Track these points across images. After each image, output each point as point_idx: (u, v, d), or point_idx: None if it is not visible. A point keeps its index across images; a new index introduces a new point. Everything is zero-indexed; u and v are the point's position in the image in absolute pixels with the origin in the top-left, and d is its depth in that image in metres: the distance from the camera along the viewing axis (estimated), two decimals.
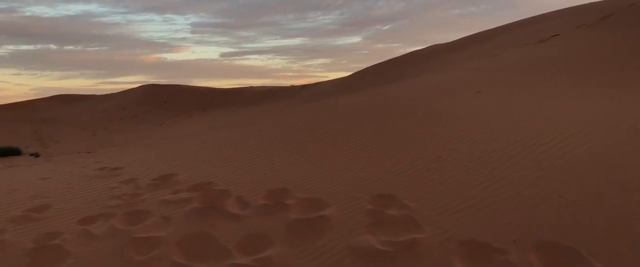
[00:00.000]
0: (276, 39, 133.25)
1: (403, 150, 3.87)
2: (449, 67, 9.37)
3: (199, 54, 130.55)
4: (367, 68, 24.52)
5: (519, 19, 14.95)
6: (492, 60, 7.99)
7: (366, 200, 3.08)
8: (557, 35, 8.73)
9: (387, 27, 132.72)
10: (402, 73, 12.79)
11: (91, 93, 45.93)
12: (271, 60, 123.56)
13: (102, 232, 2.97)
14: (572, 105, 5.08)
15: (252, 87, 39.34)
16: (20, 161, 19.71)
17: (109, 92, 44.02)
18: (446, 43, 19.04)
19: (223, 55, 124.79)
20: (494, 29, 15.46)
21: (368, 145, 4.09)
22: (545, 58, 7.28)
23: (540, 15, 13.30)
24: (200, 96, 37.41)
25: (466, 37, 16.23)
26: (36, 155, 23.48)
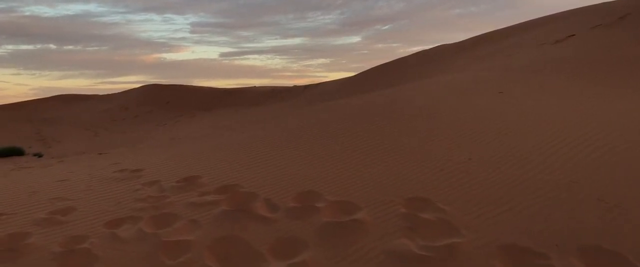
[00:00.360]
0: (276, 38, 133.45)
1: (429, 152, 3.83)
2: (462, 67, 9.33)
3: (198, 54, 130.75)
4: (372, 68, 24.47)
5: (528, 20, 14.91)
6: (508, 61, 7.96)
7: (399, 203, 3.04)
8: (573, 35, 8.69)
9: (387, 27, 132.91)
10: (413, 73, 12.75)
11: (91, 93, 45.92)
12: (271, 60, 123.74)
13: (130, 235, 2.93)
14: (591, 105, 5.04)
15: (255, 87, 39.30)
16: (24, 162, 19.67)
17: (109, 92, 43.99)
18: (453, 43, 18.98)
19: (223, 55, 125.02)
20: (502, 29, 15.42)
21: (392, 147, 4.05)
22: (561, 58, 7.24)
23: (552, 16, 13.26)
24: (203, 96, 37.39)
25: (474, 37, 16.17)
26: (39, 155, 23.49)
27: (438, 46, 20.16)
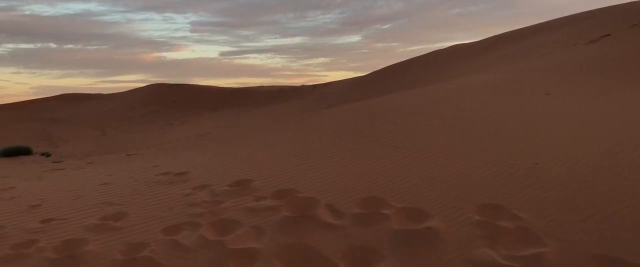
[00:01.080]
0: (276, 38, 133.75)
1: (490, 155, 3.73)
2: (488, 68, 9.20)
3: (198, 53, 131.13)
4: (384, 69, 24.34)
5: (550, 19, 14.77)
6: (541, 61, 7.84)
7: (471, 210, 2.94)
8: (608, 35, 8.56)
9: (386, 26, 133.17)
10: (434, 73, 12.62)
11: (91, 92, 45.97)
12: (271, 59, 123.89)
13: (192, 243, 2.84)
14: None
15: (262, 86, 39.24)
16: (29, 162, 19.62)
17: (110, 92, 44.04)
18: (469, 43, 18.84)
19: (222, 54, 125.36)
20: (521, 29, 15.27)
21: (447, 150, 3.95)
22: (599, 58, 7.12)
23: (574, 16, 13.12)
24: (209, 96, 37.35)
25: (492, 37, 16.02)
26: (47, 154, 23.49)
27: (452, 46, 20.02)
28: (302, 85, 36.58)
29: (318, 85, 33.71)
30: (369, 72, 26.34)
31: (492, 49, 12.87)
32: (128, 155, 6.12)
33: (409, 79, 18.06)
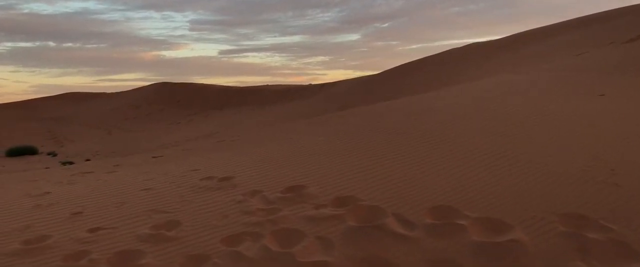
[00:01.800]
0: (275, 36, 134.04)
1: (559, 162, 3.56)
2: (515, 67, 9.01)
3: (197, 52, 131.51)
4: (396, 68, 24.15)
5: (571, 18, 14.56)
6: (577, 61, 7.65)
7: (554, 220, 2.78)
8: None
9: (386, 24, 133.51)
10: (455, 72, 12.44)
11: (90, 90, 45.95)
12: (270, 57, 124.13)
13: (256, 254, 2.68)
14: None
15: (267, 86, 39.09)
16: (35, 161, 19.51)
17: (116, 91, 43.93)
18: (483, 42, 18.62)
19: (222, 52, 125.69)
20: (542, 28, 15.04)
21: (509, 155, 3.78)
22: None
23: (603, 13, 12.89)
24: (214, 95, 37.23)
25: (510, 36, 15.83)
26: (53, 154, 23.38)
27: (468, 45, 19.82)
28: (309, 84, 36.46)
29: (326, 84, 33.54)
30: (379, 72, 26.14)
31: (512, 48, 12.68)
32: (154, 157, 5.96)
33: (425, 79, 17.88)
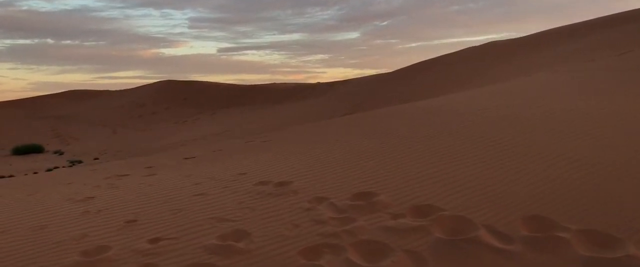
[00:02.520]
0: (274, 34, 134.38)
1: (621, 165, 3.35)
2: (548, 66, 8.78)
3: (196, 49, 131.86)
4: (411, 66, 23.91)
5: (600, 16, 14.30)
6: (620, 61, 7.43)
7: None
8: None
9: (385, 23, 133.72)
10: (481, 70, 12.20)
11: (90, 88, 45.84)
12: (269, 55, 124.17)
13: None
14: None
15: (274, 84, 38.83)
16: (42, 160, 19.34)
17: (120, 89, 43.74)
18: (503, 41, 18.34)
19: (221, 50, 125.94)
20: (565, 27, 14.78)
21: (590, 160, 3.56)
22: None
23: (626, 13, 12.65)
24: (220, 93, 37.01)
25: (532, 35, 15.57)
26: (60, 153, 23.21)
27: (487, 43, 19.56)
28: (318, 82, 36.22)
29: (335, 83, 33.32)
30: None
31: (537, 48, 12.44)
32: (186, 158, 5.76)
33: (441, 78, 17.65)
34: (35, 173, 14.04)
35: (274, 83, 39.50)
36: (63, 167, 16.69)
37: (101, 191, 4.15)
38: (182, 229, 3.02)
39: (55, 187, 4.53)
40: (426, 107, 6.33)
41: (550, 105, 5.22)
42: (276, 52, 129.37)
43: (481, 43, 19.29)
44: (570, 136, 4.20)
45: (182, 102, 35.44)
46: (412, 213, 3.00)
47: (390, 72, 26.33)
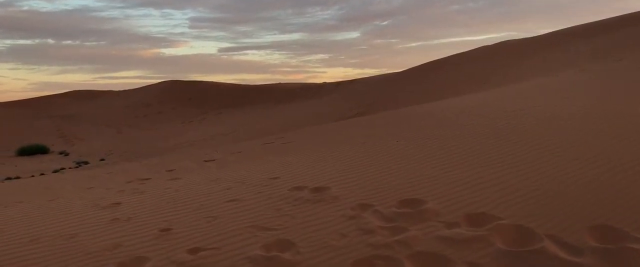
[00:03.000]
0: (274, 34, 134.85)
1: None
2: (574, 64, 8.60)
3: (197, 49, 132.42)
4: (422, 66, 23.70)
5: (612, 16, 14.08)
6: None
7: None
8: None
9: (385, 22, 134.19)
10: (499, 68, 12.01)
11: (91, 88, 45.80)
12: (269, 55, 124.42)
13: None
14: None
15: (280, 84, 38.74)
16: (48, 160, 19.23)
17: (124, 89, 43.67)
18: (516, 40, 18.10)
19: (221, 50, 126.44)
20: (585, 25, 14.55)
21: (624, 162, 3.40)
22: None
23: None
24: (225, 93, 36.91)
25: (549, 33, 15.34)
26: (65, 153, 23.11)
27: (503, 42, 19.33)
28: (325, 82, 36.09)
29: (342, 83, 33.19)
30: (402, 70, 25.70)
31: (559, 47, 12.24)
32: (206, 161, 5.61)
33: (452, 78, 17.48)
34: (42, 174, 13.92)
35: (280, 83, 39.41)
36: (70, 168, 16.57)
37: (126, 196, 4.00)
38: (222, 238, 2.86)
39: (75, 192, 4.38)
40: (453, 107, 6.16)
41: (582, 103, 5.06)
42: (276, 52, 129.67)
43: (481, 43, 19.27)
44: (619, 138, 4.03)
45: (186, 102, 35.35)
46: (466, 222, 2.84)
47: (398, 72, 26.14)
